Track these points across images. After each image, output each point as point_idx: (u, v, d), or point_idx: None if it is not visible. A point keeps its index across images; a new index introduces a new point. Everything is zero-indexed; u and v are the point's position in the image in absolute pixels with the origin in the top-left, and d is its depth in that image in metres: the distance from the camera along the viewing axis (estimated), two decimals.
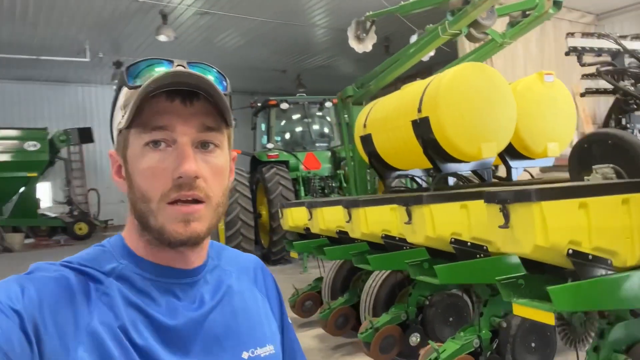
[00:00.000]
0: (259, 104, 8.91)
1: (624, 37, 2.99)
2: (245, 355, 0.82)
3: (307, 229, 4.27)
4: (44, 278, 0.69)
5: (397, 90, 4.26)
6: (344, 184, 7.90)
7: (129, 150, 0.75)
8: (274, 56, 13.06)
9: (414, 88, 3.79)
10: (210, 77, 0.77)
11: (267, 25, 10.16)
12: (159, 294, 0.76)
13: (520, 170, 4.08)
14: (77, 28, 10.02)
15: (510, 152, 3.91)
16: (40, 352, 0.62)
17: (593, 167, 2.40)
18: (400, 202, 2.59)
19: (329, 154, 8.59)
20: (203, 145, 0.75)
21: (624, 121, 2.75)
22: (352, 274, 4.12)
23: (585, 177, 2.46)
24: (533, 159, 4.01)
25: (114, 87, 0.81)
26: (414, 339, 3.07)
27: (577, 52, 2.73)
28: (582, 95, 2.86)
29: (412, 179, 4.53)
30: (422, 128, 3.50)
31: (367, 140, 4.31)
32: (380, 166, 4.38)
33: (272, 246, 7.54)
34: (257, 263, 0.98)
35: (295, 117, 9.03)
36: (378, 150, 4.23)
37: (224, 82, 0.80)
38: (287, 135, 9.11)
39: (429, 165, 4.06)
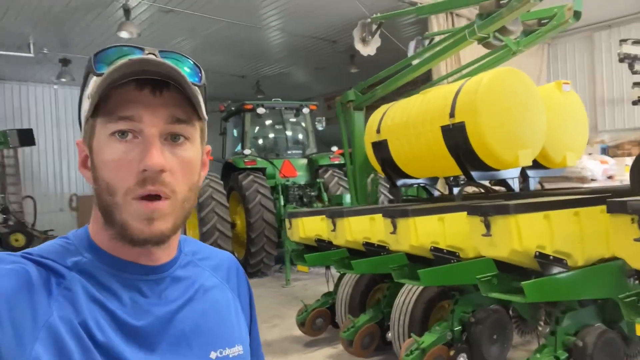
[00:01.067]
0: (232, 108, 8.47)
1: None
2: (213, 355, 0.80)
3: (321, 240, 3.99)
4: (4, 271, 0.65)
5: (414, 95, 4.11)
6: (324, 193, 7.65)
7: (95, 140, 0.71)
8: (232, 61, 12.69)
9: (441, 92, 3.64)
10: (182, 63, 0.74)
11: (228, 29, 9.78)
12: (123, 290, 0.73)
13: (536, 180, 4.04)
14: (21, 20, 9.10)
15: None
16: None
17: None
18: (476, 212, 2.42)
19: (305, 161, 8.32)
20: (173, 138, 0.72)
21: None
22: (370, 288, 3.87)
23: None
24: (549, 168, 3.98)
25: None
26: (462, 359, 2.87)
27: (630, 60, 2.68)
28: (634, 103, 2.82)
29: (424, 187, 4.37)
30: (455, 134, 3.35)
31: (380, 146, 4.11)
32: (393, 174, 4.18)
33: (250, 258, 7.13)
34: (232, 261, 0.95)
35: (270, 122, 8.67)
36: (394, 156, 4.03)
37: (199, 74, 0.77)
38: (261, 142, 8.73)
39: (451, 173, 3.93)
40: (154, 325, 0.74)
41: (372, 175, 4.74)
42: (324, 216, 4.03)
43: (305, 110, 8.39)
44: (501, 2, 3.40)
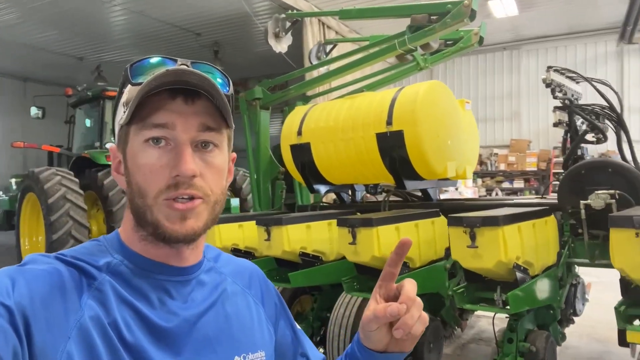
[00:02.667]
0: (89, 93, 7.20)
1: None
2: (236, 359, 0.81)
3: (238, 250, 3.61)
4: (36, 271, 0.68)
5: (338, 98, 4.01)
6: None
7: (129, 146, 0.75)
8: (67, 38, 11.04)
9: (373, 99, 3.61)
10: (213, 74, 0.77)
11: (62, 1, 8.42)
12: (152, 291, 0.75)
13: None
14: None
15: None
16: (30, 347, 0.61)
17: (596, 192, 2.66)
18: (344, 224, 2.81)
19: None
20: (203, 145, 0.75)
21: (579, 152, 3.16)
22: (292, 301, 3.63)
23: (582, 201, 2.71)
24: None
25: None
26: None
27: (554, 86, 3.02)
28: (555, 125, 3.19)
29: (338, 195, 4.30)
30: (391, 142, 3.35)
31: (301, 149, 3.90)
32: (312, 178, 4.01)
33: None
34: (254, 269, 0.98)
35: None
36: (316, 161, 3.87)
37: (227, 83, 0.80)
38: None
39: (375, 181, 3.94)
40: (181, 328, 0.75)
41: (279, 177, 4.50)
42: (241, 223, 3.67)
43: None
44: (432, 17, 3.53)
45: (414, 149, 3.29)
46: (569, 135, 3.31)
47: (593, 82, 3.08)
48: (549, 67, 3.03)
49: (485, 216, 2.42)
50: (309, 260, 3.22)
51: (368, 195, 4.39)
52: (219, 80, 0.78)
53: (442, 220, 3.22)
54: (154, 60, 0.76)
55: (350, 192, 4.35)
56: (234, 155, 0.85)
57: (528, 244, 2.56)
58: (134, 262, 0.76)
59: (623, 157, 3.18)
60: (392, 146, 3.35)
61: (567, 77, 3.18)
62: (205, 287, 0.83)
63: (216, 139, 0.76)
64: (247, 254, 3.68)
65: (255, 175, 4.73)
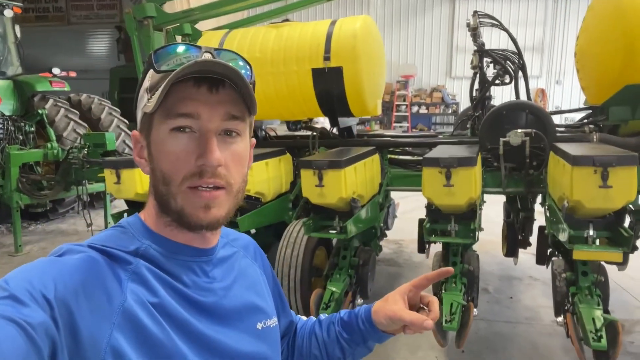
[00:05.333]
0: None
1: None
2: (259, 326, 0.88)
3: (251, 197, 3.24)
4: (75, 261, 0.68)
5: (262, 27, 3.68)
6: (49, 129, 5.90)
7: (153, 133, 0.75)
8: None
9: (305, 32, 3.41)
10: (236, 61, 0.78)
11: None
12: (182, 271, 0.78)
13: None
14: None
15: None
16: (77, 339, 0.62)
17: (515, 130, 3.06)
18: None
19: (10, 84, 6.13)
20: (226, 133, 0.76)
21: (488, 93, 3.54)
22: None
23: (502, 139, 3.10)
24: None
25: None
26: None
27: (474, 32, 3.26)
28: (473, 68, 3.45)
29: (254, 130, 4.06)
30: (329, 78, 3.27)
31: None
32: None
33: None
34: (252, 241, 1.04)
35: None
36: None
37: (249, 71, 0.81)
38: None
39: (302, 117, 3.85)
40: (215, 301, 0.80)
41: None
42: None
43: (8, 13, 6.02)
44: None
45: (352, 86, 3.27)
46: (478, 77, 3.66)
47: (508, 31, 3.43)
48: (475, 12, 3.24)
49: (330, 160, 2.72)
50: (252, 202, 3.12)
51: (272, 131, 4.27)
52: (242, 65, 0.79)
53: (376, 157, 3.35)
54: (178, 48, 0.76)
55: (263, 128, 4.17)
56: (254, 141, 0.86)
57: (361, 180, 2.92)
58: (161, 246, 0.78)
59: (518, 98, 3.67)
60: (329, 82, 3.28)
61: (490, 23, 3.46)
62: (225, 262, 0.88)
63: (239, 127, 0.77)
64: (257, 200, 3.24)
65: None
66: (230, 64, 0.75)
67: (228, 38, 3.62)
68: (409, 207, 5.62)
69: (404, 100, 14.30)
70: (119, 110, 6.93)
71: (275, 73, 3.41)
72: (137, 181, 3.08)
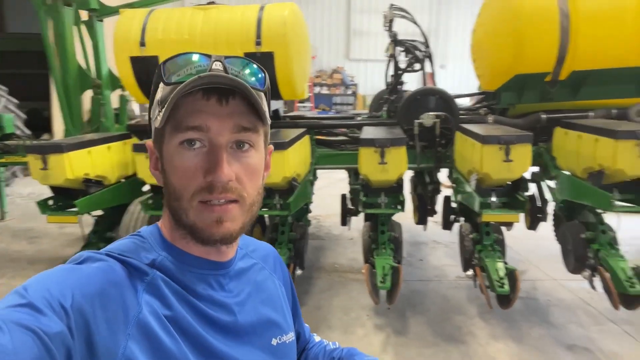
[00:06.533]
0: None
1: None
2: (274, 342, 0.86)
3: (89, 180, 3.16)
4: (94, 270, 0.68)
5: (187, 8, 3.64)
6: None
7: (164, 147, 0.75)
8: None
9: (233, 16, 3.47)
10: (247, 71, 0.75)
11: None
12: (197, 284, 0.77)
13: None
14: None
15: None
16: (92, 348, 0.62)
17: (427, 113, 3.48)
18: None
19: None
20: (238, 145, 0.74)
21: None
22: None
23: (416, 121, 3.52)
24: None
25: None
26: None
27: (389, 23, 3.60)
28: (390, 57, 3.77)
29: None
30: (261, 63, 3.32)
31: (147, 63, 3.49)
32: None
33: None
34: (274, 251, 1.02)
35: None
36: None
37: (263, 78, 0.78)
38: None
39: None
40: (229, 316, 0.79)
41: (122, 94, 3.90)
42: (89, 149, 3.17)
43: None
44: None
45: (283, 70, 3.43)
46: (391, 64, 4.04)
47: (417, 24, 3.83)
48: (392, 5, 3.57)
49: (275, 142, 2.80)
50: (92, 185, 3.23)
51: None
52: (253, 77, 0.76)
53: (306, 138, 3.56)
54: (188, 57, 0.73)
55: None
56: (271, 147, 0.85)
57: (299, 160, 3.14)
58: (177, 258, 0.77)
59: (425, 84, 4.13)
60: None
61: (401, 15, 3.83)
62: (242, 275, 0.86)
63: (252, 138, 0.74)
64: (98, 183, 3.25)
65: (63, 90, 3.93)
66: (244, 71, 0.74)
67: (151, 18, 3.54)
68: (322, 184, 5.96)
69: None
70: (5, 89, 6.25)
71: None
72: (67, 166, 2.97)
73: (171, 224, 0.78)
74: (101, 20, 4.28)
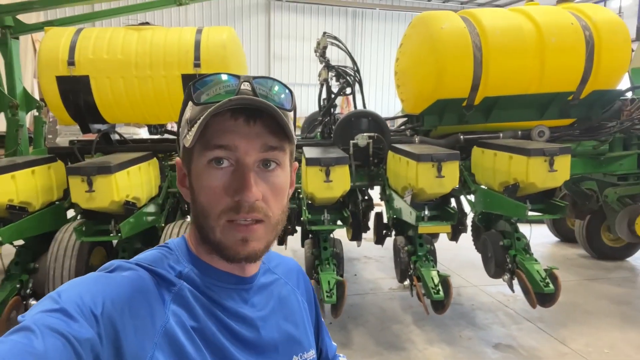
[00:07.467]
0: None
1: None
2: (295, 359, 0.86)
3: (13, 207, 2.93)
4: (124, 279, 0.70)
5: (120, 28, 3.56)
6: None
7: (193, 165, 0.76)
8: None
9: (170, 37, 3.47)
10: (275, 91, 0.77)
11: None
12: (221, 297, 0.79)
13: None
14: None
15: None
16: (120, 356, 0.64)
17: (362, 134, 3.71)
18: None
19: None
20: (264, 164, 0.75)
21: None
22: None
23: (352, 141, 3.73)
24: None
25: None
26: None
27: (322, 51, 3.81)
28: (322, 82, 3.94)
29: (104, 134, 3.86)
30: None
31: (75, 83, 3.36)
32: (88, 116, 3.52)
33: None
34: (297, 266, 1.02)
35: None
36: (96, 97, 3.42)
37: (290, 98, 0.79)
38: None
39: (165, 121, 3.85)
40: (253, 331, 0.80)
41: (37, 115, 3.66)
42: (13, 173, 2.96)
43: None
44: None
45: None
46: (324, 88, 4.25)
47: (348, 51, 4.08)
48: (325, 33, 3.79)
49: (100, 165, 2.84)
50: (16, 212, 3.00)
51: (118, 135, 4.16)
52: (280, 96, 0.77)
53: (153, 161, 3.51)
54: (217, 77, 0.75)
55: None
56: (296, 164, 0.86)
57: (136, 183, 3.11)
58: (203, 272, 0.79)
59: (355, 107, 4.38)
60: None
61: (333, 43, 4.06)
62: (265, 290, 0.87)
63: (278, 157, 0.76)
64: (22, 210, 3.03)
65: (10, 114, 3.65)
66: (272, 90, 0.76)
67: (80, 37, 3.43)
68: None
69: None
70: None
71: (142, 77, 3.39)
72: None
73: (197, 238, 0.79)
74: (17, 38, 4.04)
